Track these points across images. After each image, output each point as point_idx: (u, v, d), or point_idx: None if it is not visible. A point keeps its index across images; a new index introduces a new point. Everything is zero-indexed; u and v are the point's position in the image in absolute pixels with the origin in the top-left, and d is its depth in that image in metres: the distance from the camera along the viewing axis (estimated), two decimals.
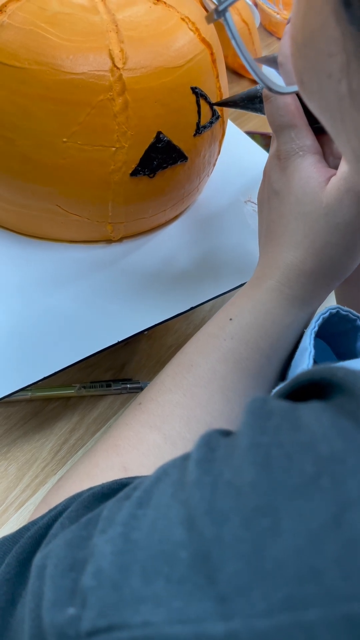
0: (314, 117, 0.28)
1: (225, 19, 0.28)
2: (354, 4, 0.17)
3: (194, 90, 0.43)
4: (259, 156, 0.59)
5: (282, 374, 0.38)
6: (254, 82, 0.90)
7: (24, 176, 0.41)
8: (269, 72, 0.40)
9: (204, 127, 0.45)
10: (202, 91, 0.43)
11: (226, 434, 0.24)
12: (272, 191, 0.39)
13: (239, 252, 0.51)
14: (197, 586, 0.18)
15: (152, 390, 0.37)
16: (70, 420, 0.50)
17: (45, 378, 0.40)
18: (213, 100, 0.45)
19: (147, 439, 0.34)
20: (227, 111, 0.51)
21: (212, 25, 0.47)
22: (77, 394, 0.51)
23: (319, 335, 0.36)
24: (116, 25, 0.40)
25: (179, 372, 0.37)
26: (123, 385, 0.52)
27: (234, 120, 0.79)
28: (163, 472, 0.23)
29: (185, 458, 0.23)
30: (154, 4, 0.43)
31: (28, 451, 0.48)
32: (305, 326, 0.38)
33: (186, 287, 0.47)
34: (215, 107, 0.46)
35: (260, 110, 0.39)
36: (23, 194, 0.42)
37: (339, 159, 0.37)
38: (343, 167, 0.35)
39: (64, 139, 0.39)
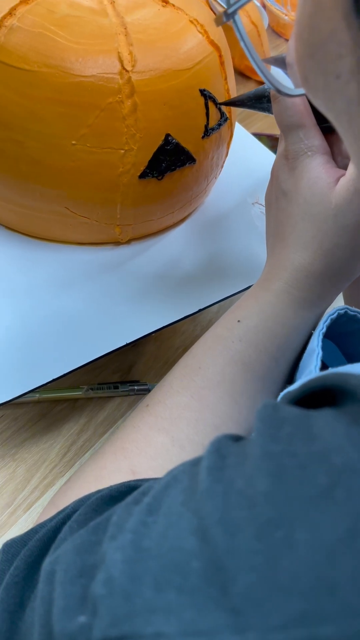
0: (322, 117, 0.28)
1: (235, 21, 0.28)
2: None
3: (202, 92, 0.43)
4: (267, 158, 0.59)
5: (290, 376, 0.38)
6: (262, 83, 0.90)
7: (33, 178, 0.41)
8: (276, 72, 0.40)
9: (212, 129, 0.45)
10: (210, 93, 0.43)
11: (236, 439, 0.24)
12: (280, 192, 0.38)
13: (246, 254, 0.51)
14: (210, 597, 0.17)
15: (160, 392, 0.37)
16: (77, 422, 0.50)
17: (53, 380, 0.40)
18: (220, 101, 0.45)
19: (155, 441, 0.34)
20: (235, 113, 0.51)
21: (220, 28, 0.47)
22: (84, 396, 0.51)
23: (327, 336, 0.36)
24: (125, 28, 0.40)
25: (186, 374, 0.36)
26: (130, 387, 0.52)
27: (240, 122, 0.79)
28: (173, 478, 0.22)
29: (194, 464, 0.23)
30: (163, 6, 0.43)
31: (36, 453, 0.48)
32: (314, 327, 0.38)
33: (194, 289, 0.47)
34: (224, 109, 0.46)
35: (268, 109, 0.39)
36: (32, 196, 0.42)
37: (348, 159, 0.36)
38: (352, 167, 0.35)
39: (73, 142, 0.39)
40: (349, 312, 0.35)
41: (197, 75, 0.42)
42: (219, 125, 0.45)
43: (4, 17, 0.39)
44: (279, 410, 0.22)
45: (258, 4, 0.83)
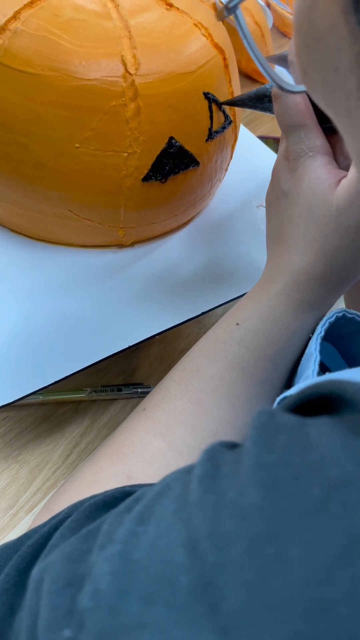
0: (324, 117, 0.27)
1: (236, 16, 0.28)
2: None
3: (207, 95, 0.43)
4: (272, 161, 0.59)
5: (289, 380, 0.38)
6: None
7: (37, 181, 0.41)
8: (279, 71, 0.40)
9: (216, 132, 0.45)
10: (214, 96, 0.43)
11: (231, 446, 0.23)
12: (281, 193, 0.38)
13: (250, 257, 0.51)
14: (199, 615, 0.17)
15: (157, 396, 0.36)
16: (81, 424, 0.50)
17: (56, 382, 0.40)
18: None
19: (151, 446, 0.33)
20: (240, 116, 0.51)
21: (224, 31, 0.47)
22: (88, 398, 0.51)
23: (326, 338, 0.36)
24: (129, 32, 0.40)
25: (184, 377, 0.36)
26: (134, 390, 0.52)
27: (246, 125, 0.79)
28: (165, 486, 0.22)
29: (188, 471, 0.22)
30: (167, 9, 0.43)
31: (39, 455, 0.48)
32: (313, 331, 0.37)
33: (197, 292, 0.47)
34: (228, 113, 0.46)
35: (269, 109, 0.39)
36: (36, 198, 0.42)
37: (350, 160, 0.36)
38: (354, 168, 0.35)
39: (77, 145, 0.39)
40: (347, 314, 0.35)
41: (201, 79, 0.42)
42: (223, 128, 0.45)
43: (8, 20, 0.39)
44: (275, 418, 0.21)
45: (262, 3, 0.82)
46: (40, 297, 0.44)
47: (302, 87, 0.32)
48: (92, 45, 0.39)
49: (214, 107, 0.44)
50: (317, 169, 0.35)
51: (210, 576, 0.17)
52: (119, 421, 0.51)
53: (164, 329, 0.44)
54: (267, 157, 0.60)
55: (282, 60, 0.35)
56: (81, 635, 0.18)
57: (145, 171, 0.42)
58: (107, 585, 0.19)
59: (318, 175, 0.35)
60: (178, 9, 0.43)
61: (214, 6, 0.96)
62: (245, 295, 0.39)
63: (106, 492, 0.28)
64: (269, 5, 0.93)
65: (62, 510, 0.28)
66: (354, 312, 0.35)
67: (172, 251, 0.50)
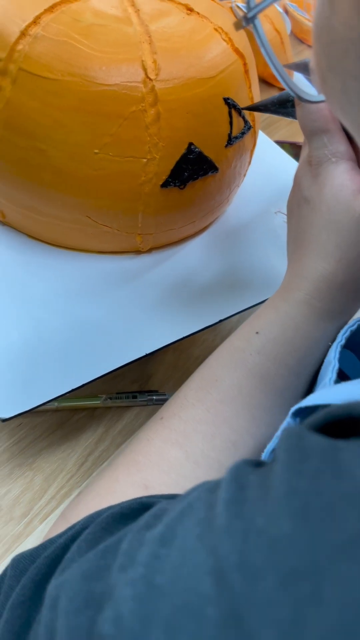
0: None
1: (254, 26, 0.27)
2: None
3: (226, 101, 0.42)
4: (290, 166, 0.58)
5: (310, 388, 0.37)
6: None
7: (56, 187, 0.41)
8: (298, 79, 0.39)
9: (236, 137, 0.44)
10: (234, 102, 0.43)
11: (257, 464, 0.22)
12: (302, 199, 0.37)
13: (268, 264, 0.50)
14: None
15: (175, 405, 0.36)
16: (95, 431, 0.50)
17: (72, 390, 0.39)
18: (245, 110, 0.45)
19: (168, 456, 0.33)
20: (259, 121, 0.51)
21: (245, 35, 0.46)
22: (103, 405, 0.51)
23: (347, 345, 0.35)
24: (149, 37, 0.40)
25: (202, 386, 0.36)
26: (149, 397, 0.52)
27: (263, 130, 0.78)
28: (188, 506, 0.21)
29: (211, 490, 0.21)
30: (188, 14, 0.42)
31: (54, 462, 0.48)
32: (334, 339, 0.37)
33: (215, 299, 0.47)
34: (248, 118, 0.45)
35: (292, 114, 0.38)
36: (54, 205, 0.42)
37: None
38: None
39: (96, 151, 0.39)
40: None
41: (221, 84, 0.42)
42: (243, 133, 0.45)
43: (29, 25, 0.39)
44: (304, 439, 0.20)
45: (280, 10, 0.82)
46: (56, 304, 0.44)
47: (321, 97, 0.32)
48: (112, 51, 0.38)
49: (233, 112, 0.43)
50: (341, 175, 0.35)
51: (240, 610, 0.16)
52: (134, 429, 0.51)
53: (181, 337, 0.43)
54: (285, 163, 0.59)
55: (302, 68, 0.35)
56: None
57: (164, 177, 0.42)
58: (130, 611, 0.18)
59: (341, 181, 0.34)
60: (198, 13, 0.43)
61: (232, 10, 0.95)
62: (265, 303, 0.39)
63: (123, 503, 0.28)
64: (287, 11, 0.93)
65: (79, 521, 0.28)
66: None
67: (190, 257, 0.49)
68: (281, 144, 0.73)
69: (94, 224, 0.43)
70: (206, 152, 0.42)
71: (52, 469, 0.47)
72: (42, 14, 0.39)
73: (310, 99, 0.31)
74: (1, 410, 0.37)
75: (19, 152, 0.40)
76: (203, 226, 0.51)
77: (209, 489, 0.22)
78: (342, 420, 0.22)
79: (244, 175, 0.51)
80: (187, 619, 0.17)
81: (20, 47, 0.38)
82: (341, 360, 0.33)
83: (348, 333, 0.35)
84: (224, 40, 0.43)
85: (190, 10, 0.43)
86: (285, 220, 0.54)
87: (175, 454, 0.33)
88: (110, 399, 0.51)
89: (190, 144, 0.41)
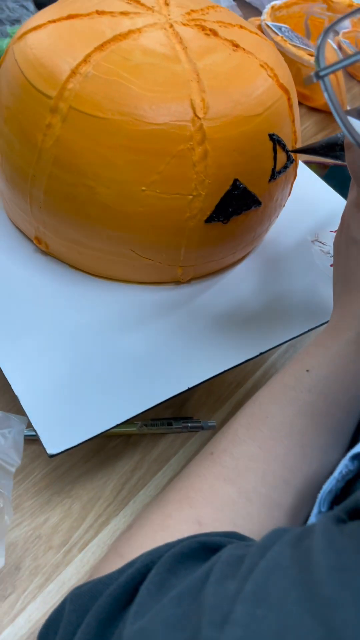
0: None
1: (324, 83, 0.28)
2: None
3: (272, 137, 0.42)
4: (327, 194, 0.58)
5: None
6: (327, 115, 0.90)
7: (102, 223, 0.41)
8: (353, 122, 0.39)
9: (279, 172, 0.44)
10: (279, 137, 0.43)
11: (337, 519, 0.22)
12: (350, 239, 0.38)
13: (307, 295, 0.50)
14: None
15: (225, 441, 0.36)
16: (131, 458, 0.50)
17: (114, 427, 0.40)
18: (288, 144, 0.45)
19: (221, 492, 0.33)
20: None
21: (288, 70, 0.46)
22: (138, 432, 0.51)
23: None
24: (197, 74, 0.40)
25: (253, 423, 0.36)
26: (184, 424, 0.52)
27: None
28: (274, 563, 0.21)
29: (293, 544, 0.21)
30: (234, 50, 0.43)
31: (91, 490, 0.48)
32: None
33: (255, 330, 0.47)
34: (290, 152, 0.45)
35: (340, 157, 0.38)
36: (99, 238, 0.42)
37: None
38: None
39: (143, 188, 0.39)
40: None
41: (267, 120, 0.42)
42: (286, 167, 0.45)
43: (79, 64, 0.39)
44: None
45: (335, 46, 0.82)
46: (97, 335, 0.44)
47: None
48: (161, 89, 0.39)
49: (277, 147, 0.43)
50: None
51: None
52: (169, 456, 0.51)
53: (222, 370, 0.44)
54: (322, 191, 0.59)
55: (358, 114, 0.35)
56: None
57: (209, 213, 0.42)
58: None
59: None
60: (244, 49, 0.43)
61: (259, 27, 0.95)
62: (313, 341, 0.39)
63: (182, 542, 0.28)
64: (340, 47, 0.93)
65: (137, 559, 0.28)
66: None
67: (229, 288, 0.49)
68: (309, 164, 0.72)
69: (137, 257, 0.44)
70: (250, 188, 0.43)
71: (90, 497, 0.48)
72: (92, 52, 0.40)
73: None
74: (49, 446, 0.37)
75: (67, 188, 0.40)
76: (242, 256, 0.51)
77: (290, 543, 0.22)
78: None
79: (284, 205, 0.51)
80: None
81: (70, 85, 0.39)
82: None
83: None
84: (270, 76, 0.43)
85: (236, 46, 0.43)
86: (323, 248, 0.54)
87: (227, 491, 0.33)
88: (146, 425, 0.51)
89: (236, 180, 0.41)
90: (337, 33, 0.99)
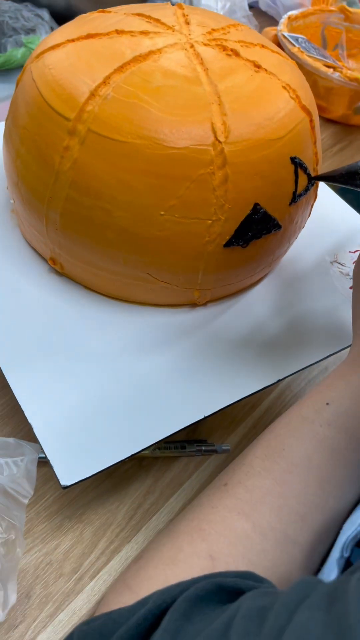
0: None
1: None
2: None
3: (294, 160, 0.41)
4: (346, 214, 0.57)
5: None
6: (343, 127, 0.89)
7: (119, 246, 0.40)
8: None
9: (300, 195, 0.43)
10: (301, 161, 0.42)
11: None
12: None
13: (326, 317, 0.49)
14: None
15: (240, 472, 0.35)
16: (144, 482, 0.49)
17: (131, 456, 0.39)
18: (309, 166, 0.44)
19: (234, 526, 0.32)
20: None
21: (310, 91, 0.45)
22: (151, 455, 0.50)
23: None
24: (219, 97, 0.39)
25: (269, 455, 0.35)
26: (198, 447, 0.51)
27: None
28: (305, 632, 0.20)
29: (326, 609, 0.20)
30: (256, 72, 0.42)
31: (103, 514, 0.47)
32: None
33: (272, 355, 0.46)
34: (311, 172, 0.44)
35: None
36: (115, 261, 0.42)
37: None
38: None
39: (162, 212, 0.39)
40: None
41: (289, 143, 0.41)
42: (307, 190, 0.44)
43: (99, 86, 0.38)
44: None
45: None
46: (112, 359, 0.43)
47: None
48: (182, 113, 0.38)
49: (299, 170, 0.42)
50: None
51: None
52: (183, 480, 0.50)
53: (241, 397, 0.43)
54: (342, 211, 0.58)
55: None
56: None
57: (228, 237, 0.41)
58: None
59: None
60: (266, 70, 0.42)
61: (275, 38, 0.94)
62: (333, 372, 0.38)
63: (196, 583, 0.27)
64: None
65: (149, 597, 0.27)
66: None
67: (246, 311, 0.48)
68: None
69: (154, 281, 0.43)
70: (271, 212, 0.42)
71: (102, 522, 0.47)
72: (112, 73, 0.39)
73: None
74: (63, 478, 0.37)
75: (84, 211, 0.40)
76: (259, 277, 0.50)
77: (320, 607, 0.21)
78: None
79: (303, 227, 0.50)
80: None
81: (89, 107, 0.38)
82: None
83: None
84: (292, 98, 0.42)
85: (258, 67, 0.42)
86: (342, 270, 0.53)
87: (241, 525, 0.32)
88: (159, 449, 0.50)
89: (256, 204, 0.40)
90: None
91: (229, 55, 0.42)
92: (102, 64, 0.39)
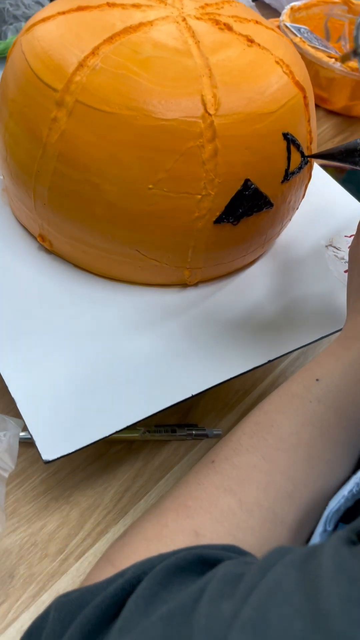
0: None
1: None
2: None
3: (286, 136, 0.41)
4: (343, 198, 0.56)
5: None
6: (345, 119, 0.88)
7: (107, 221, 0.40)
8: None
9: (293, 173, 0.43)
10: (293, 137, 0.41)
11: (347, 541, 0.21)
12: None
13: (320, 301, 0.48)
14: None
15: (227, 449, 0.34)
16: (133, 465, 0.49)
17: (115, 433, 0.38)
18: (303, 144, 0.43)
19: (220, 502, 0.31)
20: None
21: (305, 68, 0.45)
22: (141, 438, 0.50)
23: None
24: (209, 70, 0.38)
25: (257, 431, 0.34)
26: (188, 432, 0.50)
27: None
28: (276, 586, 0.19)
29: (297, 566, 0.19)
30: (248, 46, 0.41)
31: (90, 496, 0.46)
32: None
33: (263, 337, 0.45)
34: (305, 152, 0.44)
35: (359, 164, 0.37)
36: (103, 238, 0.41)
37: None
38: None
39: (150, 186, 0.38)
40: None
41: (281, 119, 0.40)
42: (300, 168, 0.43)
43: (87, 57, 0.38)
44: None
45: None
46: (100, 337, 0.43)
47: None
48: (171, 84, 0.37)
49: (292, 147, 0.42)
50: None
51: None
52: (172, 464, 0.50)
53: (229, 377, 0.42)
54: (338, 195, 0.57)
55: None
56: None
57: (218, 213, 0.40)
58: None
59: None
60: (259, 45, 0.42)
61: (278, 28, 0.94)
62: (325, 351, 0.37)
63: (178, 554, 0.26)
64: None
65: (128, 569, 0.26)
66: None
67: (237, 292, 0.48)
68: (325, 167, 0.71)
69: (143, 258, 0.42)
70: (262, 188, 0.41)
71: (89, 504, 0.46)
72: (100, 44, 0.38)
73: None
74: (44, 452, 0.36)
75: (72, 185, 0.39)
76: (252, 259, 0.49)
77: (295, 564, 0.20)
78: None
79: (297, 208, 0.49)
80: None
81: (77, 78, 0.38)
82: None
83: None
84: (285, 73, 0.41)
85: (251, 41, 0.41)
86: (337, 254, 0.52)
87: (227, 502, 0.31)
88: (149, 432, 0.50)
89: (247, 180, 0.40)
90: None
91: (222, 29, 0.41)
92: (91, 35, 0.39)
